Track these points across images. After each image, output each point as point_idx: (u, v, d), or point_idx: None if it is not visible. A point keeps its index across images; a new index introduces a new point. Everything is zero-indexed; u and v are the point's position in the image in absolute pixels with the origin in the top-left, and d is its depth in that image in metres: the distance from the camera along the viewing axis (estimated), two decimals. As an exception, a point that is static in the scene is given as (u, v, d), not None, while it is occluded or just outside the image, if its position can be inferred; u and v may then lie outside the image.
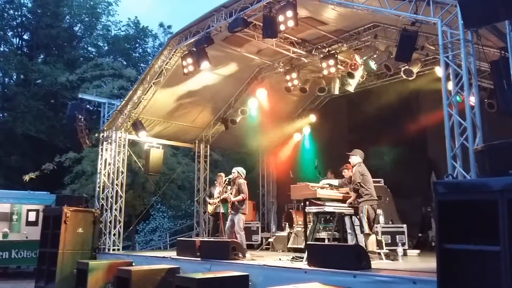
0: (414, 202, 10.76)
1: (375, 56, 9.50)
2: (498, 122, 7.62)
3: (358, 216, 7.72)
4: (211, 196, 11.28)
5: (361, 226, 7.55)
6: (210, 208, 11.05)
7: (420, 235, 10.36)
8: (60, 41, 26.41)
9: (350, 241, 8.14)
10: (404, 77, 9.14)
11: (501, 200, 3.33)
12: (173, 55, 10.41)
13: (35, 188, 15.55)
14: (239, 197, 8.72)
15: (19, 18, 26.20)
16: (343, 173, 8.43)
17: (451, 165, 5.66)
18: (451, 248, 3.61)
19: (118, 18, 34.78)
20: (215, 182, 11.36)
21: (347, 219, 8.16)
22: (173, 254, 9.16)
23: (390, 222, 9.65)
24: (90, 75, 21.55)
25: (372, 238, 7.49)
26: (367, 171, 7.68)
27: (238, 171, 9.03)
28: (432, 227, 10.11)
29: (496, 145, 3.82)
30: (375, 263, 6.75)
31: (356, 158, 7.81)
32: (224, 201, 9.67)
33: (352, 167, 7.84)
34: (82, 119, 11.01)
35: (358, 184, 7.47)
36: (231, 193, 8.94)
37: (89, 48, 29.01)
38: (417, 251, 9.31)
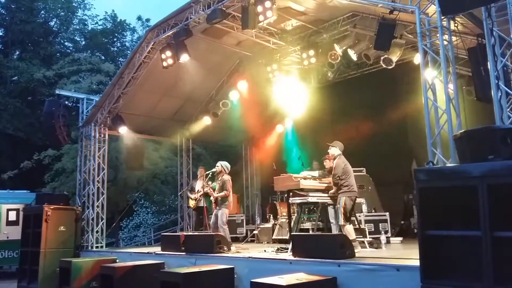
0: (396, 190, 10.88)
1: (354, 45, 9.52)
2: (476, 108, 7.75)
3: (335, 208, 7.74)
4: (192, 190, 11.22)
5: (336, 217, 7.57)
6: (192, 203, 11.01)
7: (402, 222, 10.50)
8: (35, 37, 25.81)
9: (334, 230, 8.19)
10: (384, 66, 9.19)
11: (481, 185, 3.38)
12: (151, 48, 10.25)
13: (15, 187, 15.26)
14: (222, 194, 8.70)
15: (-8, 14, 25.57)
16: (324, 163, 8.47)
17: (431, 152, 5.71)
18: (433, 234, 3.65)
19: (94, 12, 34.13)
20: (198, 175, 11.30)
21: (330, 209, 8.19)
22: (157, 249, 9.11)
23: (373, 211, 9.75)
24: (68, 70, 21.19)
25: (349, 228, 7.48)
26: (347, 162, 7.69)
27: (222, 165, 8.97)
28: (414, 215, 10.23)
29: (475, 131, 3.86)
30: (358, 252, 6.81)
31: (335, 149, 7.79)
32: (206, 195, 9.62)
33: (333, 159, 7.84)
34: (60, 116, 10.81)
35: (338, 177, 7.48)
36: (214, 189, 8.90)
37: (66, 43, 28.44)
38: (400, 238, 9.43)
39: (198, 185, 10.85)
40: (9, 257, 12.73)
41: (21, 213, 11.65)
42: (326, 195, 7.89)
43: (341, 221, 7.36)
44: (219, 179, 8.88)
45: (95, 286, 8.47)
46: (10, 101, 22.34)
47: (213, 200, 8.93)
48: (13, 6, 24.98)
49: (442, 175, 3.82)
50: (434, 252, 3.65)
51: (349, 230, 7.38)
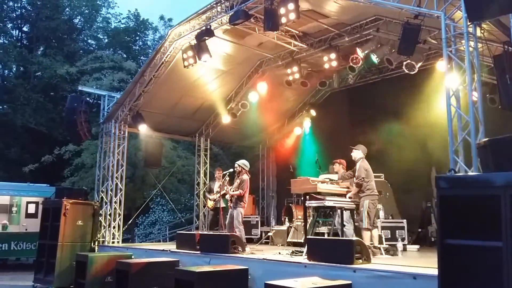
0: (414, 197, 10.74)
1: (376, 50, 9.44)
2: (499, 117, 7.60)
3: (358, 211, 7.70)
4: (210, 191, 11.25)
5: (361, 220, 7.54)
6: (210, 203, 11.04)
7: (420, 230, 10.34)
8: (59, 33, 26.29)
9: (347, 235, 8.13)
10: (406, 71, 9.08)
11: (503, 195, 3.30)
12: (173, 48, 10.33)
13: (35, 181, 15.54)
14: (236, 192, 8.73)
15: (19, 10, 26.08)
16: (334, 167, 8.45)
17: (453, 160, 5.62)
18: (453, 243, 3.58)
19: (118, 10, 34.70)
20: (215, 176, 11.34)
21: (345, 213, 8.14)
22: (172, 247, 9.15)
23: (390, 217, 9.64)
24: (90, 67, 21.49)
25: (374, 233, 7.47)
26: (369, 166, 7.67)
27: (241, 164, 8.98)
28: (432, 223, 10.09)
29: (499, 140, 3.78)
30: (375, 258, 6.74)
31: (358, 152, 7.79)
32: (225, 196, 9.64)
33: (355, 162, 7.79)
34: (82, 112, 10.97)
35: (362, 179, 7.46)
36: (231, 188, 8.92)
37: (89, 41, 28.92)
38: (417, 246, 9.30)
39: (216, 186, 10.87)
40: (27, 249, 12.96)
41: (40, 206, 11.85)
42: (344, 199, 7.83)
43: (366, 225, 7.32)
44: (238, 178, 8.89)
45: (110, 281, 8.55)
46: (33, 96, 22.77)
47: (228, 198, 8.95)
48: (39, 3, 25.49)
49: (464, 184, 3.75)
50: (453, 262, 3.58)
51: (374, 235, 7.34)
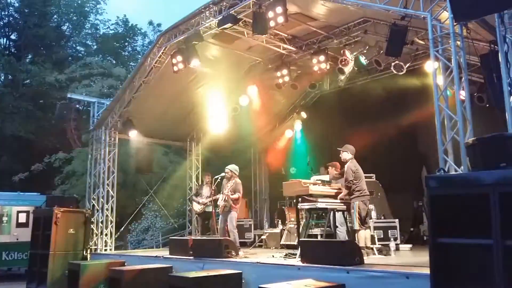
0: (405, 197, 10.80)
1: (365, 51, 9.50)
2: (487, 115, 7.68)
3: (349, 212, 7.73)
4: (198, 195, 11.20)
5: (352, 222, 7.56)
6: (197, 207, 10.98)
7: (412, 229, 10.41)
8: (48, 41, 26.14)
9: (341, 236, 8.17)
10: (395, 72, 9.15)
11: (493, 193, 3.33)
12: (162, 53, 10.31)
13: (25, 189, 15.37)
14: (235, 196, 8.72)
15: (6, 18, 25.93)
16: (328, 170, 8.50)
17: (442, 159, 5.67)
18: (444, 242, 3.61)
19: (106, 16, 34.51)
20: (204, 181, 11.31)
21: (338, 214, 8.17)
22: (165, 253, 9.11)
23: (382, 217, 9.68)
24: (79, 74, 21.41)
25: (366, 233, 7.49)
26: (359, 166, 7.69)
27: (231, 169, 8.99)
28: (423, 222, 10.15)
29: (487, 139, 3.82)
30: (368, 259, 6.77)
31: (347, 154, 7.82)
32: (215, 200, 9.60)
33: (344, 163, 7.84)
34: (72, 119, 10.90)
35: (350, 181, 7.48)
36: (227, 191, 8.88)
37: (78, 48, 28.79)
38: (409, 245, 9.34)
39: (205, 190, 10.84)
40: (18, 259, 12.81)
41: (31, 215, 11.71)
42: (336, 200, 7.85)
43: (357, 226, 7.35)
44: (230, 182, 8.87)
45: (103, 289, 8.50)
46: (22, 104, 22.60)
47: (222, 203, 8.87)
48: (26, 11, 25.34)
49: (453, 183, 3.79)
50: (444, 260, 3.60)
51: (364, 235, 7.37)
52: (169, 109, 12.12)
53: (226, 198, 8.75)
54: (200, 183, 12.62)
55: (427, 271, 3.74)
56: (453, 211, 3.61)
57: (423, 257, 5.73)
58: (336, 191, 8.03)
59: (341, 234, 8.14)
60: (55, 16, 27.21)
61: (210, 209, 10.45)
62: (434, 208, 3.73)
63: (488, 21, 5.98)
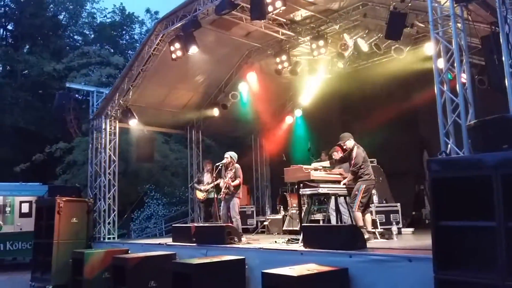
0: (407, 181, 10.82)
1: (364, 35, 9.42)
2: (488, 98, 7.64)
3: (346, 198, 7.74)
4: (199, 182, 11.22)
5: (352, 202, 7.54)
6: (200, 195, 11.00)
7: (414, 213, 10.45)
8: (45, 31, 25.97)
9: (333, 221, 8.17)
10: (395, 55, 9.09)
11: (495, 175, 3.33)
12: (160, 40, 10.23)
13: (27, 180, 15.43)
14: (236, 182, 8.72)
15: (2, 8, 25.69)
16: (333, 156, 8.46)
17: (443, 142, 5.64)
18: (446, 225, 3.62)
19: (103, 5, 34.31)
20: (204, 168, 11.32)
21: (333, 199, 8.16)
22: (168, 240, 9.16)
23: (384, 202, 9.70)
24: (77, 63, 21.33)
25: (367, 217, 7.51)
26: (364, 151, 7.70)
27: (231, 156, 9.00)
28: (425, 205, 10.19)
29: (488, 121, 3.80)
30: (370, 243, 6.79)
31: (349, 142, 7.78)
32: (217, 186, 9.62)
33: (351, 150, 7.78)
34: (71, 109, 10.86)
35: (359, 167, 7.46)
36: (227, 178, 8.88)
37: (75, 37, 28.63)
38: (411, 229, 9.37)
39: (206, 177, 10.85)
40: (22, 248, 12.92)
41: (33, 205, 11.78)
42: (338, 186, 7.84)
43: (355, 207, 7.34)
44: (230, 169, 8.88)
45: (107, 277, 8.55)
46: (21, 95, 22.54)
47: (224, 190, 8.88)
48: (22, 0, 25.10)
49: (455, 165, 3.78)
50: (447, 243, 3.62)
51: (365, 219, 7.38)
52: (168, 97, 12.09)
53: (227, 186, 8.76)
54: (201, 171, 12.63)
55: (429, 254, 3.75)
56: (455, 194, 3.60)
57: (426, 240, 5.75)
58: (337, 176, 8.02)
59: (346, 218, 8.15)
60: (52, 6, 27.00)
61: (212, 195, 10.49)
62: (436, 191, 3.73)
63: (489, 2, 5.92)
